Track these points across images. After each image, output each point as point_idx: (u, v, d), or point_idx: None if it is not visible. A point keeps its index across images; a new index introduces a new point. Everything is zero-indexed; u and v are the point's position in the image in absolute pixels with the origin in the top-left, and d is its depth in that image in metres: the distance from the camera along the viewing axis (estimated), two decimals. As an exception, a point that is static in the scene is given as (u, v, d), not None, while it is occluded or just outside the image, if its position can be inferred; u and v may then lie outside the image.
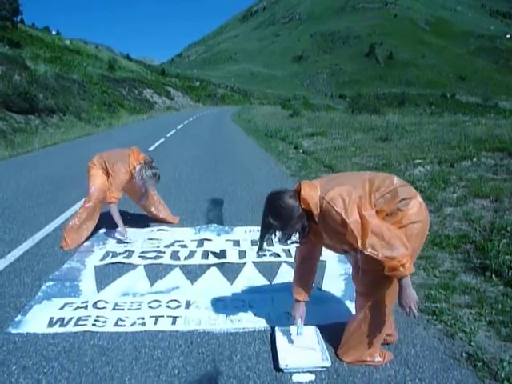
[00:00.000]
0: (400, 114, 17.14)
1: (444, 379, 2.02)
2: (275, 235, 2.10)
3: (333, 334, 2.37)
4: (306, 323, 2.33)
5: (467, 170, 5.83)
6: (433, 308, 2.65)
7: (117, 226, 3.98)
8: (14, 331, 2.42)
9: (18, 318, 2.57)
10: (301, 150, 9.90)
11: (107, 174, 3.93)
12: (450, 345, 2.31)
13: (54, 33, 61.41)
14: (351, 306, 2.71)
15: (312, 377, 2.03)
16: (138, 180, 3.86)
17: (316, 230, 2.03)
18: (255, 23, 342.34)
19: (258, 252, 2.28)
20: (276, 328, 2.36)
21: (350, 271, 3.20)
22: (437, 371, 2.08)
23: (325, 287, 2.99)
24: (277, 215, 1.98)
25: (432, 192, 4.99)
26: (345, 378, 2.03)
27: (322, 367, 2.08)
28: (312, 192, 1.95)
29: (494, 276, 3.04)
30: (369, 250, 1.82)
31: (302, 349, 2.17)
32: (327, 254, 3.51)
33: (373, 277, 1.97)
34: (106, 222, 4.52)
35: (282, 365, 2.07)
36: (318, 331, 2.27)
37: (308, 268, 2.29)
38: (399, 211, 1.90)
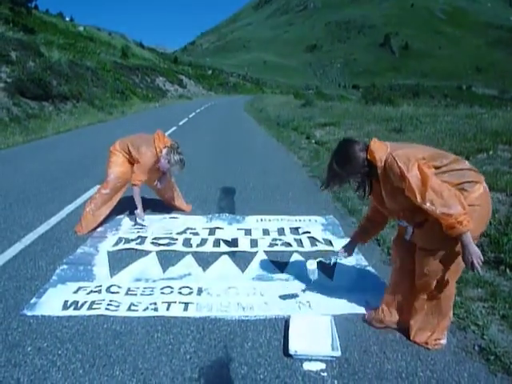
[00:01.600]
0: (414, 105, 16.87)
1: (456, 372, 2.01)
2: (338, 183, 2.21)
3: (345, 325, 2.38)
4: (321, 313, 2.35)
5: (483, 162, 5.72)
6: (445, 301, 2.63)
7: (132, 212, 4.01)
8: (29, 313, 2.47)
9: (33, 300, 2.62)
10: (313, 140, 9.82)
11: (129, 159, 3.92)
12: (462, 338, 2.29)
13: (67, 19, 61.54)
14: (363, 297, 2.71)
15: (322, 365, 2.04)
16: (163, 164, 3.81)
17: (377, 191, 2.15)
18: (269, 11, 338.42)
19: (321, 188, 2.32)
20: (292, 315, 2.37)
21: (363, 262, 3.20)
22: (448, 363, 2.07)
23: (337, 278, 2.98)
24: (342, 161, 2.10)
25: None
26: (355, 368, 2.03)
27: (332, 357, 2.08)
28: (381, 147, 2.07)
29: (508, 270, 3.00)
30: (427, 204, 1.88)
31: (314, 337, 2.17)
32: (340, 246, 3.52)
33: (431, 259, 2.04)
34: (119, 209, 4.56)
35: (291, 350, 2.08)
36: (333, 322, 2.27)
37: (367, 228, 2.51)
38: (463, 191, 1.93)
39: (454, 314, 2.49)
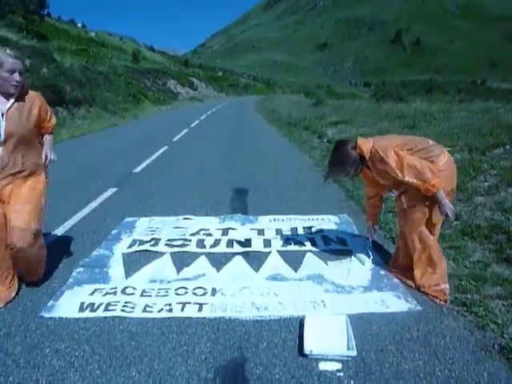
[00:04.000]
0: (427, 101, 16.64)
1: (475, 371, 1.97)
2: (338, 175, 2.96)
3: (361, 325, 2.35)
4: (336, 313, 2.34)
5: (499, 157, 5.61)
6: (463, 299, 2.58)
7: (146, 214, 4.00)
8: (46, 315, 2.50)
9: (51, 303, 2.65)
10: (325, 139, 9.77)
11: None
12: (481, 336, 2.24)
13: (79, 25, 62.47)
14: (378, 296, 2.68)
15: (339, 365, 2.02)
16: None
17: (370, 176, 2.82)
18: (278, 11, 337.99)
19: (326, 179, 2.98)
20: (306, 315, 2.36)
21: (370, 259, 3.17)
22: (467, 363, 2.03)
23: (352, 277, 2.95)
24: (339, 160, 2.78)
25: (462, 181, 4.82)
26: (372, 368, 2.01)
27: (347, 356, 2.06)
28: (365, 143, 2.71)
29: (528, 267, 2.93)
30: (406, 177, 2.50)
31: (329, 337, 2.16)
32: (354, 245, 3.49)
33: (416, 211, 2.65)
34: (133, 211, 4.61)
35: (306, 350, 2.07)
36: (349, 321, 2.25)
37: (373, 203, 3.17)
38: (432, 162, 2.55)
39: (472, 312, 2.46)
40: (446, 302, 2.58)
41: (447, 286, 2.64)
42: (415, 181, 2.48)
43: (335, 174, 2.94)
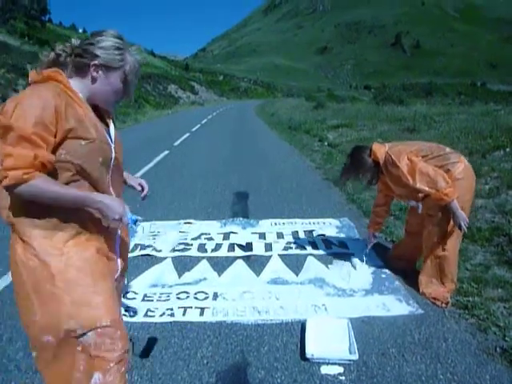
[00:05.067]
0: (428, 104, 16.66)
1: (477, 374, 1.97)
2: (353, 179, 2.93)
3: (362, 328, 2.36)
4: (338, 316, 2.34)
5: (500, 160, 5.61)
6: (465, 302, 2.59)
7: (147, 219, 4.01)
8: (49, 320, 2.51)
9: (53, 307, 2.66)
10: (325, 143, 9.79)
11: None
12: (482, 339, 2.24)
13: (80, 31, 62.80)
14: (379, 300, 2.69)
15: (340, 369, 2.02)
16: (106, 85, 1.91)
17: (385, 182, 2.78)
18: (278, 15, 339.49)
19: (339, 182, 3.18)
20: (308, 319, 2.36)
21: (363, 263, 3.18)
22: (469, 366, 2.03)
23: (353, 281, 2.96)
24: (355, 166, 2.78)
25: (463, 183, 4.84)
26: (374, 371, 2.01)
27: (349, 360, 2.06)
28: (380, 148, 2.70)
29: (529, 270, 2.93)
30: (418, 184, 2.45)
31: (331, 340, 2.16)
32: (355, 249, 3.49)
33: (433, 221, 2.60)
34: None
35: (308, 354, 2.07)
36: (350, 325, 2.25)
37: (379, 212, 3.12)
38: (448, 171, 2.51)
39: (473, 315, 2.46)
40: (447, 304, 2.59)
41: (450, 300, 2.61)
42: (427, 188, 2.44)
43: (349, 178, 2.95)
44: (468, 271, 3.03)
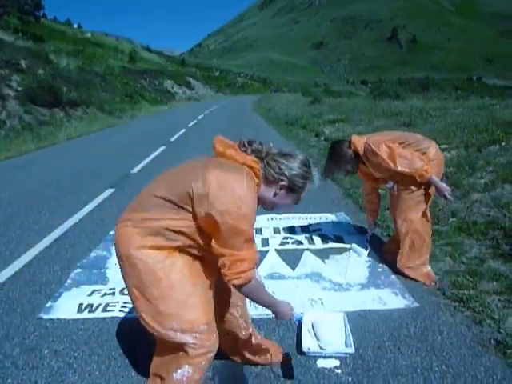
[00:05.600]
0: (424, 98, 16.66)
1: (472, 366, 1.98)
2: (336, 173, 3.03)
3: (358, 322, 2.37)
4: (334, 310, 2.35)
5: (495, 154, 5.62)
6: (460, 295, 2.60)
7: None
8: (45, 317, 2.51)
9: (49, 304, 2.66)
10: (322, 138, 9.78)
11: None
12: (478, 332, 2.26)
13: (75, 26, 62.27)
14: (376, 293, 2.70)
15: (337, 362, 2.03)
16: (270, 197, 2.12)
17: (363, 170, 2.96)
18: (274, 10, 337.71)
19: (323, 177, 2.87)
20: (304, 313, 2.37)
21: (367, 251, 3.19)
22: (464, 357, 2.05)
23: (349, 275, 2.97)
24: (335, 159, 2.91)
25: (458, 178, 4.85)
26: (370, 364, 2.02)
27: (345, 353, 2.07)
28: (359, 139, 2.84)
29: (524, 263, 2.95)
30: (399, 168, 2.66)
31: (327, 334, 2.16)
32: (351, 243, 3.50)
33: (406, 200, 2.81)
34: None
35: (304, 348, 2.08)
36: (346, 318, 2.26)
37: (371, 200, 3.29)
38: (424, 153, 2.74)
39: (469, 308, 2.47)
40: (434, 282, 2.76)
41: (430, 268, 2.86)
42: (407, 170, 2.65)
43: (332, 173, 3.03)
44: (463, 264, 3.05)
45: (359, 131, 9.40)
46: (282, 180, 1.51)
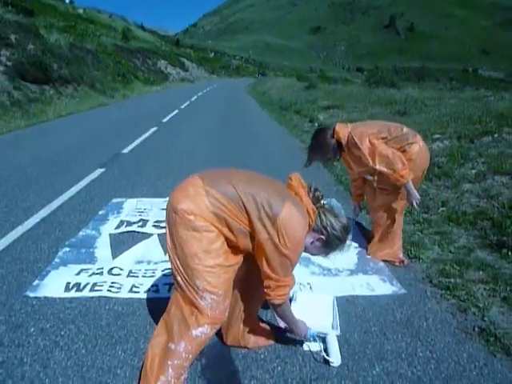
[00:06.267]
0: (419, 88, 16.62)
1: (455, 352, 2.02)
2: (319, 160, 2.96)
3: (346, 307, 2.39)
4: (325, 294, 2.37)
5: (488, 145, 5.65)
6: (446, 283, 2.63)
7: (133, 195, 3.95)
8: (31, 295, 2.49)
9: (36, 282, 2.63)
10: (316, 124, 9.73)
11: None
12: (462, 319, 2.29)
13: (67, 1, 60.54)
14: (364, 279, 2.72)
15: (323, 346, 2.05)
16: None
17: (347, 159, 2.91)
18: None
19: (305, 167, 2.92)
20: (296, 293, 2.37)
21: (359, 243, 3.21)
22: (448, 344, 2.08)
23: (338, 261, 2.97)
24: (318, 148, 2.87)
25: (450, 168, 4.87)
26: (355, 349, 2.04)
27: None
28: (343, 129, 2.79)
29: (510, 253, 2.99)
30: (377, 166, 2.64)
31: (315, 315, 2.17)
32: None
33: (384, 194, 2.88)
34: (120, 192, 4.57)
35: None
36: (335, 302, 2.28)
37: (357, 185, 3.29)
38: (404, 152, 2.72)
39: (454, 296, 2.51)
40: (403, 262, 2.92)
41: (401, 254, 2.97)
42: (385, 169, 2.64)
43: (315, 160, 2.98)
44: (451, 253, 3.08)
45: (354, 118, 9.37)
46: (322, 233, 1.69)
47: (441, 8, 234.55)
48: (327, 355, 1.95)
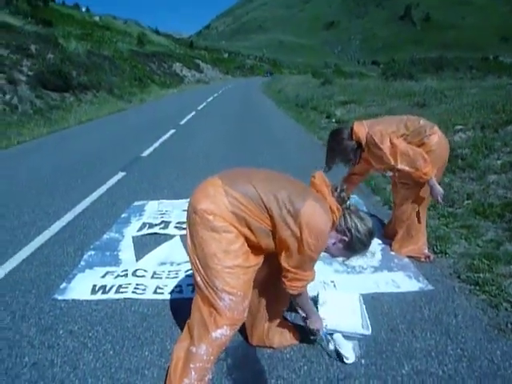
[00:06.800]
0: (438, 78, 16.24)
1: (488, 350, 1.96)
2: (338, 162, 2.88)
3: (372, 304, 2.35)
4: (350, 292, 2.34)
5: (512, 135, 5.47)
6: (475, 278, 2.56)
7: (155, 197, 3.99)
8: (59, 298, 2.54)
9: (63, 285, 2.69)
10: (333, 120, 9.65)
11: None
12: (493, 315, 2.23)
13: (83, 10, 61.75)
14: (389, 276, 2.67)
15: (350, 344, 2.01)
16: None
17: (366, 157, 2.84)
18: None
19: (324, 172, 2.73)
20: (320, 291, 2.35)
21: (383, 239, 3.15)
22: (480, 342, 2.02)
23: (362, 258, 2.93)
24: (336, 151, 2.81)
25: (474, 159, 4.75)
26: (383, 347, 2.01)
27: (361, 334, 2.05)
28: (361, 128, 2.75)
29: (542, 245, 2.88)
30: (399, 165, 2.64)
31: (344, 313, 2.14)
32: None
33: (406, 188, 2.86)
34: (139, 195, 4.62)
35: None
36: (362, 300, 2.24)
37: (355, 179, 3.23)
38: (423, 144, 2.71)
39: (484, 291, 2.44)
40: (429, 258, 2.87)
41: (426, 250, 2.92)
42: (407, 168, 2.64)
43: (335, 164, 2.90)
44: (479, 247, 3.00)
45: (371, 112, 9.24)
46: (345, 235, 1.66)
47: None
48: (341, 352, 1.92)
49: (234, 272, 1.57)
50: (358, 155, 2.82)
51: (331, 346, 1.98)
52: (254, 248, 1.65)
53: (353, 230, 1.65)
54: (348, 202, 1.70)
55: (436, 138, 2.73)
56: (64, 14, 39.12)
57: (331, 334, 1.99)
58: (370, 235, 1.69)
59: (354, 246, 1.68)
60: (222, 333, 1.59)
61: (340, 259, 2.84)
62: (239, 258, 1.59)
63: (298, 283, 1.66)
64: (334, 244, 1.69)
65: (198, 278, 1.61)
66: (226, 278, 1.56)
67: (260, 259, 1.69)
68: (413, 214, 2.89)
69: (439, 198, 2.71)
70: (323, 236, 1.58)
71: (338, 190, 1.70)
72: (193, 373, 1.60)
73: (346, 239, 1.67)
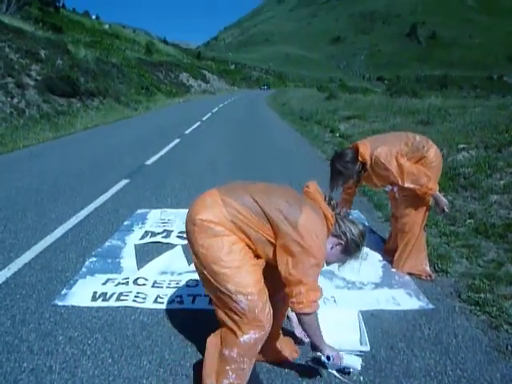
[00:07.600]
0: (442, 96, 16.34)
1: (488, 371, 1.95)
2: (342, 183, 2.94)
3: (371, 321, 2.34)
4: (347, 309, 2.33)
5: (516, 155, 5.49)
6: (476, 298, 2.55)
7: (158, 206, 4.01)
8: (60, 304, 2.54)
9: (64, 291, 2.69)
10: (337, 134, 9.70)
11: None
12: (494, 337, 2.22)
13: (93, 17, 62.64)
14: (389, 293, 2.67)
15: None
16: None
17: (367, 175, 2.91)
18: (292, 3, 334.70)
19: (330, 192, 2.85)
20: (318, 310, 2.34)
21: (383, 255, 3.15)
22: (480, 363, 2.01)
23: (363, 274, 2.93)
24: (341, 176, 2.86)
25: (477, 178, 4.76)
26: (382, 365, 2.00)
27: (360, 351, 2.05)
28: (365, 149, 2.81)
29: (543, 267, 2.88)
30: (406, 184, 2.76)
31: (342, 331, 2.14)
32: (367, 241, 3.46)
33: (407, 201, 2.92)
34: (143, 203, 4.64)
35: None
36: (361, 316, 2.24)
37: (351, 192, 3.20)
38: (423, 157, 2.84)
39: (485, 312, 2.43)
40: (430, 276, 2.86)
41: (426, 265, 2.93)
42: (412, 186, 2.75)
43: (338, 186, 2.97)
44: (480, 267, 2.99)
45: (375, 128, 9.29)
46: (341, 239, 1.73)
47: (464, 15, 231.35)
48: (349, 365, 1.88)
49: (242, 271, 1.58)
50: (361, 176, 2.91)
51: (335, 368, 1.97)
52: (254, 255, 1.69)
53: (348, 234, 1.73)
54: (338, 210, 1.78)
55: (433, 151, 2.87)
56: (74, 21, 39.74)
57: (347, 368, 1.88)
58: (363, 237, 1.77)
59: (349, 248, 1.75)
60: (251, 337, 1.61)
61: (340, 274, 2.86)
62: (245, 256, 1.61)
63: (313, 296, 1.62)
64: (331, 248, 1.75)
65: (211, 290, 1.65)
66: (235, 279, 1.57)
67: (264, 260, 1.71)
68: (414, 226, 2.92)
69: (445, 208, 2.82)
70: (322, 239, 1.64)
71: (328, 199, 1.78)
72: (230, 373, 1.65)
73: (343, 242, 1.74)
